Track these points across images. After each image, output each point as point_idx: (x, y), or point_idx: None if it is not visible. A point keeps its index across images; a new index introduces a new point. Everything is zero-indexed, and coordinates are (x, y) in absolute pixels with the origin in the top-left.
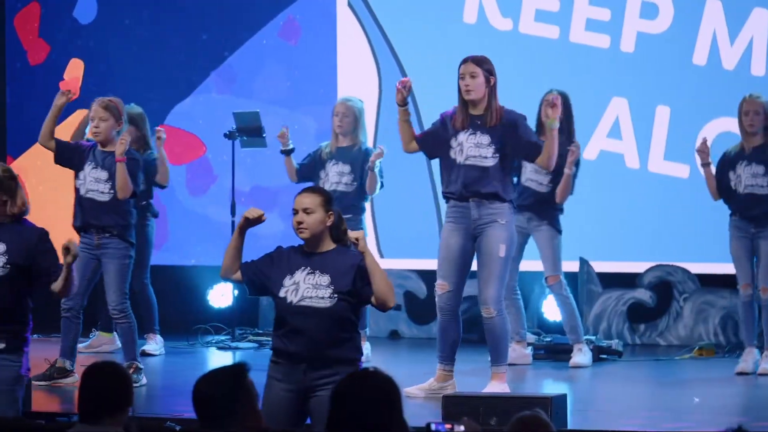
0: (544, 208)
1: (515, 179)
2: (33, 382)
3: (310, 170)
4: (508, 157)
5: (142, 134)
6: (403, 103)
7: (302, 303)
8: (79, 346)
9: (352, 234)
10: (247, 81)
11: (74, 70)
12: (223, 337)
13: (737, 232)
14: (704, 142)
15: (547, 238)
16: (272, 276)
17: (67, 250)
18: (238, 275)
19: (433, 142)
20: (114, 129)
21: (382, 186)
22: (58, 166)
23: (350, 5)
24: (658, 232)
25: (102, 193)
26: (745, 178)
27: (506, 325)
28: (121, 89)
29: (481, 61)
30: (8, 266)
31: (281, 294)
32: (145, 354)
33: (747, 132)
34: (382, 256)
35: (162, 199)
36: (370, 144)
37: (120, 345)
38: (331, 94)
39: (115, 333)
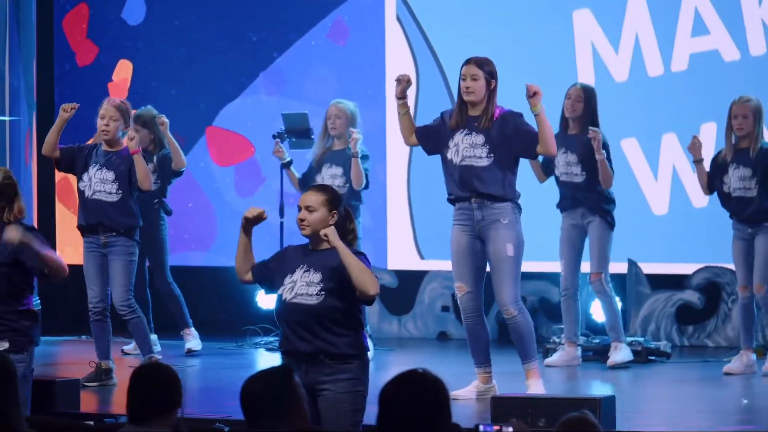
0: (593, 200)
1: (554, 178)
2: (83, 383)
3: (310, 179)
4: (505, 157)
5: (157, 135)
6: (402, 96)
7: (294, 300)
8: (126, 348)
9: (321, 231)
10: (295, 82)
11: (123, 72)
12: (271, 339)
13: (737, 233)
14: (695, 138)
15: (597, 233)
16: (276, 276)
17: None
18: (249, 276)
19: (432, 138)
20: (121, 130)
21: (367, 186)
22: (82, 150)
23: (397, 15)
24: (706, 233)
25: (109, 193)
26: (733, 181)
27: (529, 322)
28: (169, 91)
29: (483, 63)
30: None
31: (280, 291)
32: (190, 352)
33: (736, 135)
34: (422, 257)
35: (210, 199)
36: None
37: (160, 347)
38: (380, 95)
39: (155, 334)
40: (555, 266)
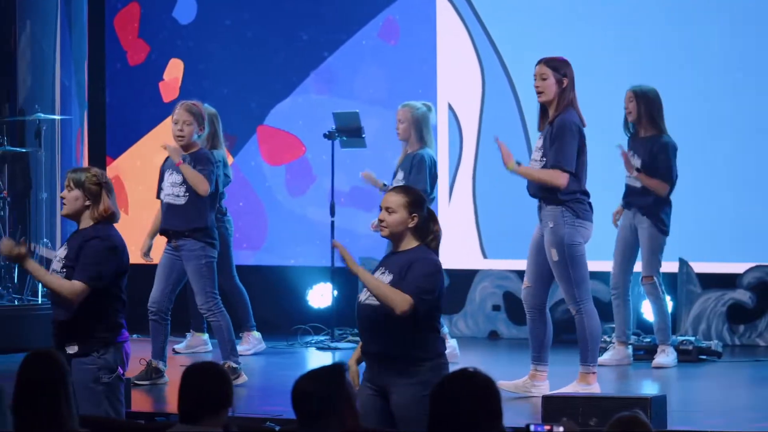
0: (644, 203)
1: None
2: (133, 381)
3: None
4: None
5: (214, 132)
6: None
7: (367, 302)
8: (177, 346)
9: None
10: (346, 81)
11: (174, 71)
12: (322, 338)
13: None
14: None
15: (646, 236)
16: None
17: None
18: None
19: None
20: (196, 133)
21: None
22: (159, 169)
23: (452, 3)
24: (758, 232)
25: (177, 196)
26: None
27: (590, 325)
28: (220, 90)
29: (553, 63)
30: (64, 270)
31: (359, 294)
32: (245, 354)
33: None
34: (485, 257)
35: (262, 199)
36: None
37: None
38: (431, 94)
39: (207, 334)
40: (606, 266)
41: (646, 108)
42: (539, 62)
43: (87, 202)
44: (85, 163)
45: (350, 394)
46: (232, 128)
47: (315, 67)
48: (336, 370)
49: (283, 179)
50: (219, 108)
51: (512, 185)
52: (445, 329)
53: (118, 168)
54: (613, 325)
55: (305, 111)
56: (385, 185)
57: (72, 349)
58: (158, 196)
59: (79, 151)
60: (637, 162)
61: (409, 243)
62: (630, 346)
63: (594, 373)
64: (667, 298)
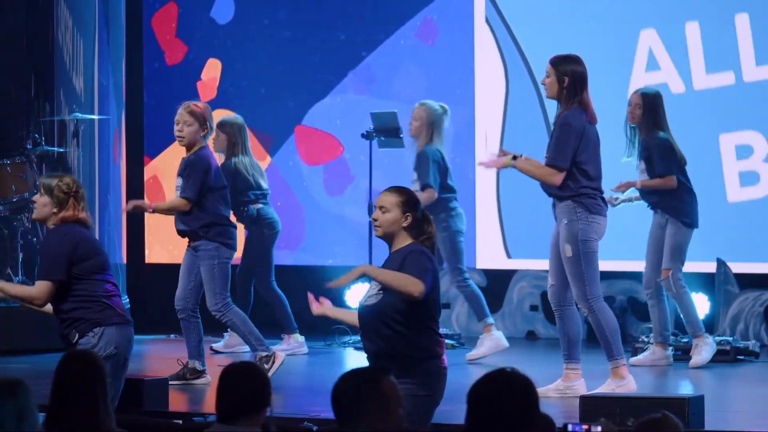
0: (666, 201)
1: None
2: (169, 382)
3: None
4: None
5: (233, 141)
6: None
7: (365, 303)
8: (216, 345)
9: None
10: (384, 81)
11: (212, 71)
12: (360, 338)
13: None
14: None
15: (671, 231)
16: None
17: None
18: None
19: None
20: (198, 134)
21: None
22: None
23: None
24: None
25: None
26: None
27: (605, 320)
28: (258, 89)
29: (556, 62)
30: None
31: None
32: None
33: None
34: (509, 257)
35: (299, 199)
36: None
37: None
38: (469, 95)
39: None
40: (638, 266)
41: (651, 110)
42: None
43: (54, 209)
44: (124, 163)
45: (389, 396)
46: (270, 128)
47: (353, 67)
48: (377, 371)
49: (321, 179)
50: (256, 108)
51: (536, 185)
52: (491, 319)
53: (155, 168)
54: (650, 325)
55: (343, 111)
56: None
57: (73, 337)
58: None
59: (116, 150)
60: (642, 165)
61: (404, 242)
62: (670, 347)
63: (624, 365)
64: (691, 295)
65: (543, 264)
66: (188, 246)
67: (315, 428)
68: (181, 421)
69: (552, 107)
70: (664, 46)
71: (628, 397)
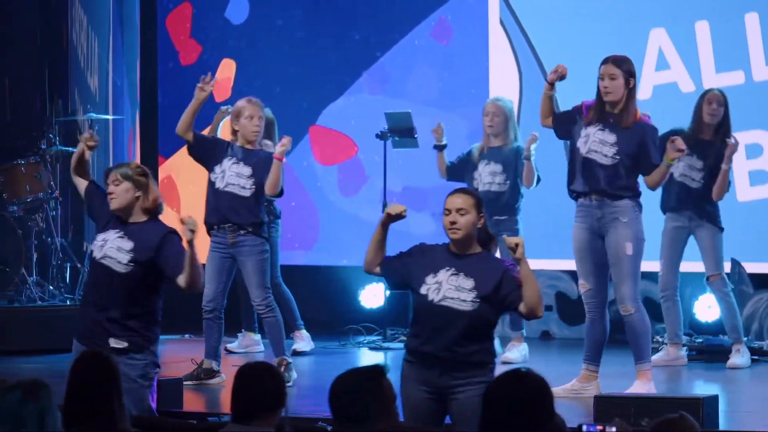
0: (702, 206)
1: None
2: (183, 382)
3: (460, 170)
4: (629, 160)
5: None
6: (552, 82)
7: (443, 303)
8: (230, 345)
9: (512, 239)
10: (398, 81)
11: (226, 71)
12: (374, 338)
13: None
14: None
15: (709, 236)
16: (414, 272)
17: (189, 232)
18: (378, 269)
19: (566, 123)
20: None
21: (539, 180)
22: (212, 144)
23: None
24: None
25: (243, 188)
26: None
27: (645, 322)
28: (272, 89)
29: (621, 62)
30: (131, 264)
31: (422, 291)
32: (297, 353)
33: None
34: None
35: (313, 199)
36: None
37: (263, 346)
38: (483, 95)
39: (259, 333)
40: (655, 266)
41: (726, 116)
42: (606, 61)
43: (137, 194)
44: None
45: (388, 396)
46: (284, 128)
47: (367, 67)
48: (374, 371)
49: (336, 179)
50: (271, 107)
51: (549, 185)
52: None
53: (169, 168)
54: (663, 325)
55: (357, 111)
56: (444, 146)
57: (120, 344)
58: (209, 177)
59: (131, 150)
60: (698, 163)
61: (476, 247)
62: (684, 347)
63: (649, 369)
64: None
65: (557, 264)
66: (217, 242)
67: (329, 428)
68: (195, 421)
69: (564, 106)
70: (673, 46)
71: (642, 398)
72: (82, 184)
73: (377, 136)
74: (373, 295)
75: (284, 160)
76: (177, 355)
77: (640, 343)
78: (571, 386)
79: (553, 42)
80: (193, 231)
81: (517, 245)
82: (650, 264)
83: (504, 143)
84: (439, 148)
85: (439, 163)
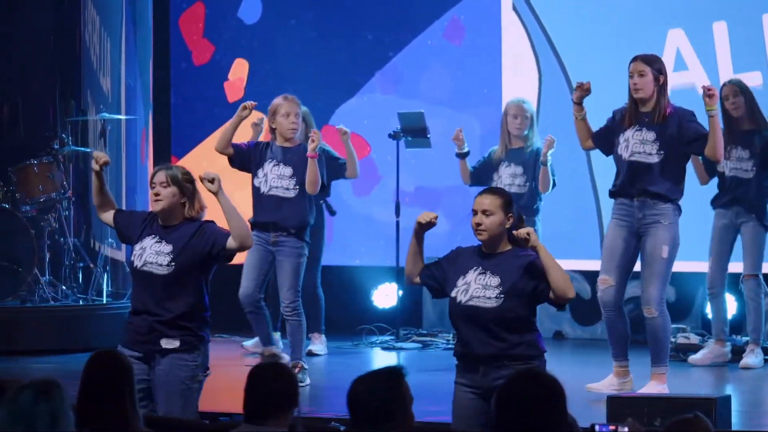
0: (752, 200)
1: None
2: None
3: (483, 174)
4: (675, 154)
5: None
6: (579, 101)
7: (470, 303)
8: (246, 343)
9: (521, 231)
10: (411, 81)
11: (239, 71)
12: (387, 338)
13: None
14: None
15: (752, 234)
16: (448, 276)
17: (209, 183)
18: (417, 279)
19: (606, 139)
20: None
21: (554, 185)
22: (230, 168)
23: (514, 7)
24: None
25: (287, 189)
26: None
27: (667, 326)
28: (284, 90)
29: (651, 60)
30: (173, 264)
31: (453, 294)
32: (310, 354)
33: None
34: None
35: (327, 199)
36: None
37: (281, 344)
38: (496, 95)
39: (279, 332)
40: (679, 266)
41: (750, 101)
42: (635, 59)
43: (182, 200)
44: (150, 164)
45: (407, 398)
46: None
47: (380, 67)
48: (394, 373)
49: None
50: None
51: (565, 187)
52: None
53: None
54: (681, 326)
55: (370, 111)
56: (467, 153)
57: (172, 344)
58: (253, 182)
59: (144, 151)
60: (745, 153)
61: (506, 245)
62: (728, 344)
63: (665, 373)
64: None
65: (572, 264)
66: (260, 240)
67: (342, 428)
68: (207, 421)
69: (591, 106)
70: (691, 46)
71: (655, 398)
72: (109, 216)
73: (390, 136)
74: (386, 295)
75: (317, 156)
76: (217, 356)
77: (659, 346)
78: (609, 382)
79: (570, 41)
80: (213, 181)
81: (528, 234)
82: (695, 264)
83: (525, 145)
84: (462, 155)
85: (462, 170)
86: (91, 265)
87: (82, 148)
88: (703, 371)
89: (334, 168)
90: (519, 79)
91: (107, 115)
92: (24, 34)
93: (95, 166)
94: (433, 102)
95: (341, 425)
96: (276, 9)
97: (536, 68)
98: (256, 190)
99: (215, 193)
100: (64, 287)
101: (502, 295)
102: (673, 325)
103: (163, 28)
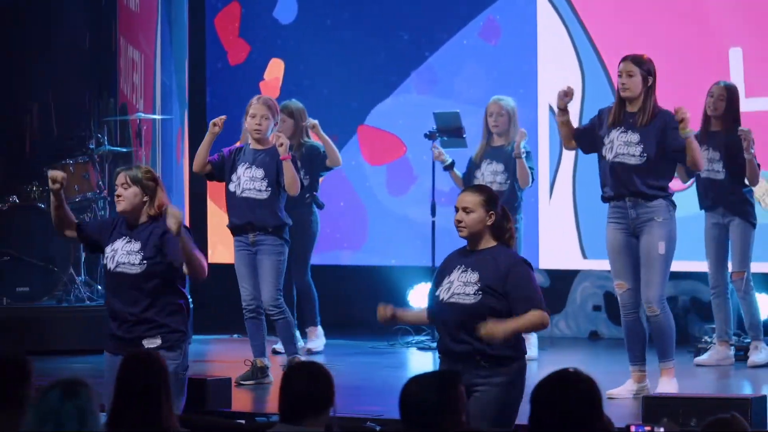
0: (731, 199)
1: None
2: (238, 381)
3: (470, 176)
4: (659, 156)
5: (300, 127)
6: (564, 108)
7: (450, 300)
8: (277, 346)
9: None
10: (447, 81)
11: (274, 71)
12: (423, 338)
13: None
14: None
15: (738, 232)
16: (437, 278)
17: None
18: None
19: (588, 137)
20: (270, 128)
21: (533, 179)
22: (227, 156)
23: (552, 3)
24: None
25: (259, 191)
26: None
27: (671, 321)
28: (320, 89)
29: (640, 61)
30: (145, 261)
31: (437, 293)
32: (310, 352)
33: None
34: (584, 257)
35: (362, 199)
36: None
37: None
38: (532, 95)
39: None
40: (705, 266)
41: (733, 104)
42: (625, 59)
43: (144, 198)
44: (186, 164)
45: (461, 403)
46: (333, 128)
47: (416, 67)
48: (449, 377)
49: (384, 179)
50: (319, 107)
51: (596, 184)
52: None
53: None
54: (714, 326)
55: (406, 111)
56: (452, 164)
57: (153, 343)
58: (227, 186)
59: (179, 150)
60: (715, 155)
61: (488, 242)
62: (732, 346)
63: (673, 367)
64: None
65: (607, 264)
66: (242, 242)
67: (378, 428)
68: (244, 421)
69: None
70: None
71: (691, 398)
72: (72, 232)
73: (426, 135)
74: (422, 295)
75: (290, 157)
76: (226, 356)
77: (665, 342)
78: (629, 387)
79: (614, 34)
80: (176, 218)
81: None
82: (698, 264)
83: (506, 143)
84: (448, 168)
85: (455, 180)
86: None
87: (118, 148)
88: (738, 371)
89: (316, 162)
90: (556, 78)
91: (143, 114)
92: (59, 34)
93: (54, 186)
94: (469, 102)
95: (377, 425)
96: (312, 9)
97: (578, 67)
98: (230, 194)
99: (176, 231)
100: (99, 287)
101: (480, 292)
102: (706, 326)
103: (198, 28)
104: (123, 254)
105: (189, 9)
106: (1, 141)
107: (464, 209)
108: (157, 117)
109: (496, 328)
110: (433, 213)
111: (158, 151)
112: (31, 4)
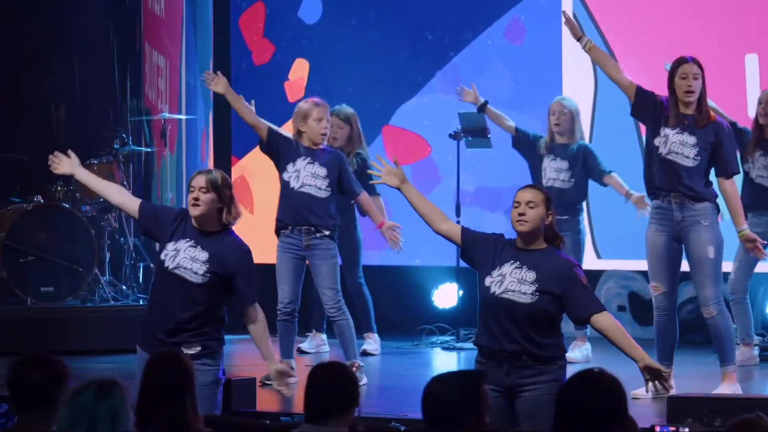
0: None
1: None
2: (263, 381)
3: (527, 144)
4: (709, 163)
5: (355, 133)
6: (578, 35)
7: (504, 295)
8: (303, 345)
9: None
10: (471, 81)
11: (299, 71)
12: (447, 338)
13: None
14: None
15: None
16: (482, 259)
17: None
18: (456, 232)
19: (646, 101)
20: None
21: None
22: (280, 144)
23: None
24: None
25: (320, 189)
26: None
27: (728, 323)
28: (345, 89)
29: (700, 64)
30: (208, 275)
31: (486, 283)
32: (365, 353)
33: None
34: (599, 257)
35: (387, 199)
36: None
37: (329, 346)
38: (556, 95)
39: (325, 333)
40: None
41: None
42: (688, 61)
43: (220, 205)
44: (211, 163)
45: (485, 404)
46: None
47: (441, 68)
48: (474, 377)
49: (409, 179)
50: None
51: (628, 186)
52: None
53: (243, 168)
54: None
55: (430, 111)
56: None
57: (193, 350)
58: (281, 176)
59: (204, 150)
60: None
61: (541, 243)
62: (756, 347)
63: (734, 372)
64: None
65: (631, 264)
66: (289, 247)
67: (402, 428)
68: (268, 421)
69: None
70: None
71: (715, 398)
72: (134, 206)
73: (450, 136)
74: (446, 295)
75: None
76: (252, 356)
77: (723, 345)
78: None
79: (628, 39)
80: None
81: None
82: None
83: (570, 141)
84: (482, 108)
85: (495, 119)
86: (152, 265)
87: (143, 148)
88: (763, 371)
89: (364, 176)
90: (580, 79)
91: (168, 114)
92: (84, 34)
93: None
94: (494, 102)
95: (401, 425)
96: (336, 9)
97: (592, 71)
98: (285, 184)
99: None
100: (124, 287)
101: (537, 293)
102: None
103: (223, 28)
104: (186, 258)
105: (213, 9)
106: (26, 141)
107: (528, 203)
108: (182, 117)
109: (651, 360)
110: (458, 213)
111: (183, 150)
112: (57, 8)
